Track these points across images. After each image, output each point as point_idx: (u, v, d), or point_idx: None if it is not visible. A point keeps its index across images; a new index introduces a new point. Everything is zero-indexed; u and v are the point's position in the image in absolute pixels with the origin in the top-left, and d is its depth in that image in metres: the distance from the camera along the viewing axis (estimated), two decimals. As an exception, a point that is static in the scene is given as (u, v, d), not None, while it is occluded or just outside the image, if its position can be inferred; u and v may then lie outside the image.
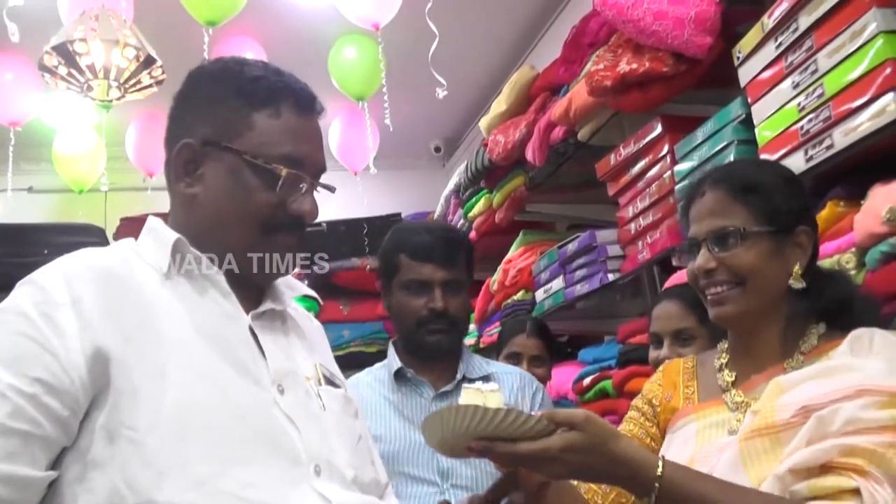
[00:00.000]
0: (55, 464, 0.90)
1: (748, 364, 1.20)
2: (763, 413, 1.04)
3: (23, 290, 0.95)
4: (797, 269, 1.17)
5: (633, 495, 1.04)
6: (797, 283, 1.16)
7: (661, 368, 1.37)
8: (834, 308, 1.17)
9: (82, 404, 0.89)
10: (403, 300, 1.73)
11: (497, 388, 1.04)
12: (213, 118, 1.06)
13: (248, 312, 1.06)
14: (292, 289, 1.20)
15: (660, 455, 1.05)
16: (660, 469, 0.97)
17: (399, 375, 1.75)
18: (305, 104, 1.11)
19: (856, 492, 0.92)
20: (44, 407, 0.86)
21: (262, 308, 1.09)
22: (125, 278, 0.99)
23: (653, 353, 1.84)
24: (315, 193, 1.12)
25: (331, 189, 1.17)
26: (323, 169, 1.13)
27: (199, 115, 1.08)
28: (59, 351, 0.89)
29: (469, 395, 1.02)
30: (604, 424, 0.98)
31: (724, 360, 1.24)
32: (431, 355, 1.74)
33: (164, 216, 1.13)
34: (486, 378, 1.72)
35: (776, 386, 1.07)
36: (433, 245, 1.71)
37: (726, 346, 1.27)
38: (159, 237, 1.07)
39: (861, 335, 1.08)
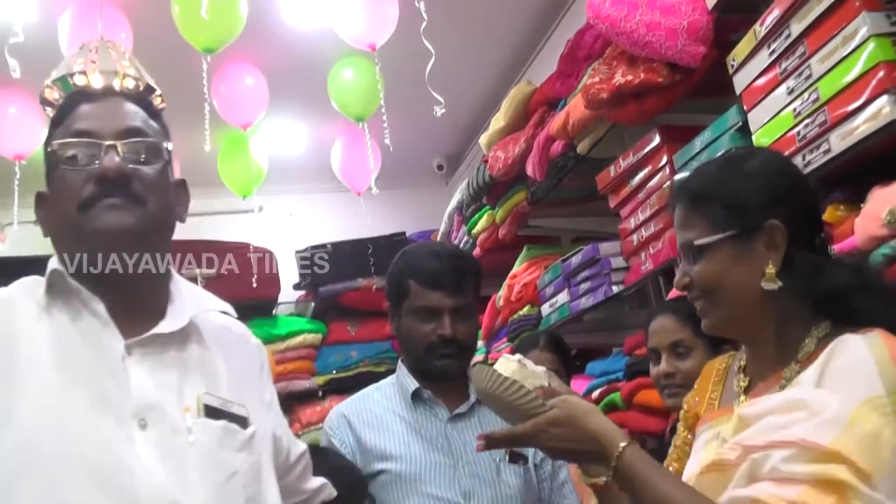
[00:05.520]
0: None
1: (757, 369, 1.16)
2: (719, 450, 1.05)
3: None
4: (770, 268, 1.08)
5: (601, 471, 1.11)
6: (769, 284, 1.08)
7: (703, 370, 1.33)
8: (828, 303, 1.07)
9: None
10: (412, 325, 1.73)
11: (540, 373, 1.21)
12: None
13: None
14: (201, 305, 1.17)
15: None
16: (620, 448, 1.05)
17: (415, 396, 1.75)
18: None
19: None
20: None
21: (145, 334, 1.06)
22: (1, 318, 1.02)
23: (653, 370, 1.83)
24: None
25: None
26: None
27: None
28: None
29: (511, 367, 1.19)
30: (578, 402, 1.12)
31: (742, 363, 1.20)
32: (440, 379, 1.75)
33: None
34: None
35: (739, 421, 1.05)
36: (443, 272, 1.70)
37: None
38: (47, 269, 1.08)
39: (837, 348, 1.01)
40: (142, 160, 1.12)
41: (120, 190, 1.08)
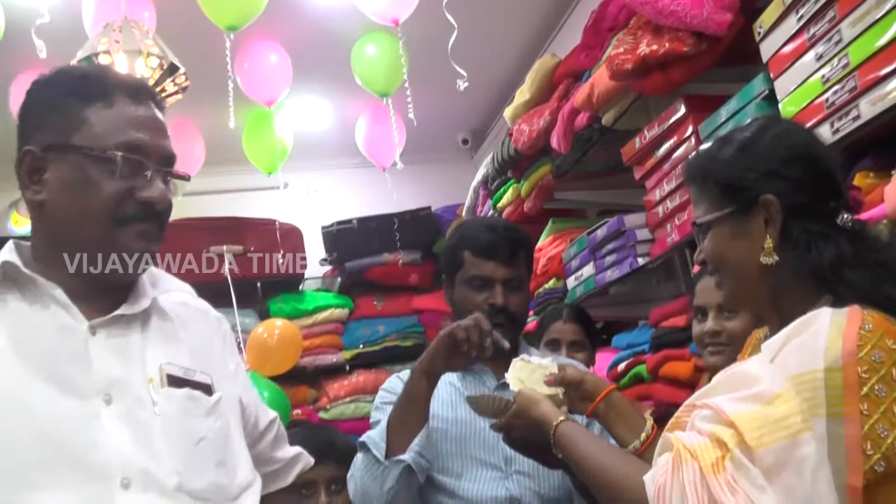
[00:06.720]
0: None
1: None
2: (679, 411, 1.10)
3: None
4: (767, 243, 1.08)
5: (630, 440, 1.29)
6: (767, 259, 1.08)
7: None
8: (821, 276, 1.05)
9: None
10: (465, 295, 1.77)
11: (546, 364, 1.41)
12: None
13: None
14: (161, 287, 1.20)
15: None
16: (554, 425, 1.25)
17: None
18: None
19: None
20: None
21: (108, 315, 1.09)
22: None
23: (696, 328, 1.81)
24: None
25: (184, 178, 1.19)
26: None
27: None
28: None
29: (517, 366, 1.41)
30: (529, 395, 1.32)
31: (765, 333, 1.19)
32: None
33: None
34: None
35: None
36: (497, 244, 1.75)
37: None
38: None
39: (801, 322, 1.00)
40: (170, 188, 1.15)
41: (157, 219, 1.11)
